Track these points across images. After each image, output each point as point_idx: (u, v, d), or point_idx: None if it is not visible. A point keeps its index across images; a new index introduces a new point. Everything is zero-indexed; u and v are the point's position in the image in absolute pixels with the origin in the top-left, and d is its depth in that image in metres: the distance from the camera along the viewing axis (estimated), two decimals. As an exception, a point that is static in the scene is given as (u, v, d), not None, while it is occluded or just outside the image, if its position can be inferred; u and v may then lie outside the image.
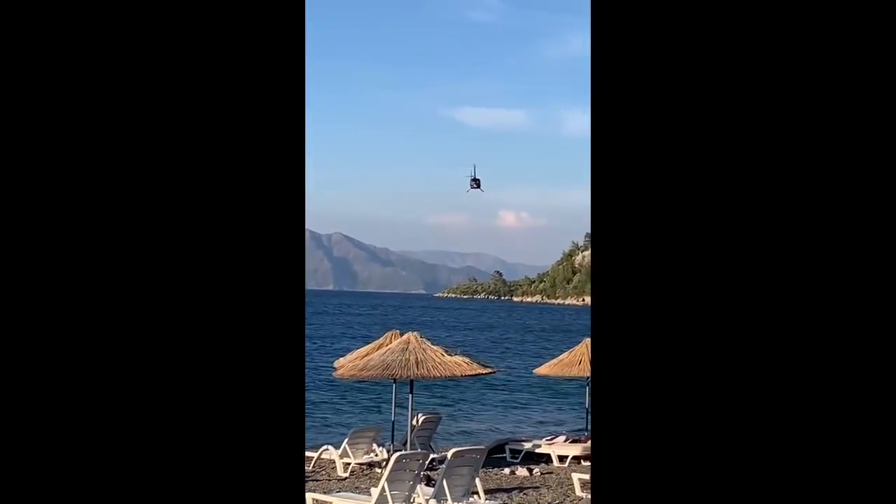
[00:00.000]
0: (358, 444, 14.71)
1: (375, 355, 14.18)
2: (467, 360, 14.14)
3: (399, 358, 13.54)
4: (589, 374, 16.80)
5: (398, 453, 11.36)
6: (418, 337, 14.07)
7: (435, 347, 13.94)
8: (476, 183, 27.14)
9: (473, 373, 14.10)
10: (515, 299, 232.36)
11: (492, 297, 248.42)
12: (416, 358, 13.49)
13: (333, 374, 15.13)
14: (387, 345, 15.07)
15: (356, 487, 12.82)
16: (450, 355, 13.90)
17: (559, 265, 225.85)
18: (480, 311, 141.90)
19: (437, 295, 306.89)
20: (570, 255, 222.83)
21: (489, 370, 14.72)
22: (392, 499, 10.50)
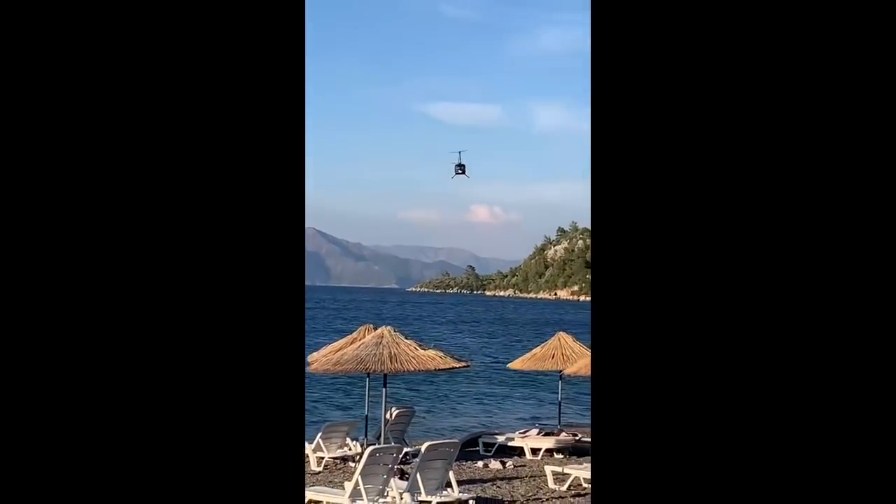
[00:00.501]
0: (331, 438, 14.70)
1: (349, 350, 14.20)
2: (441, 354, 14.18)
3: (373, 352, 13.56)
4: (562, 368, 16.88)
5: (372, 447, 11.38)
6: (392, 331, 14.09)
7: (408, 341, 13.97)
8: (461, 169, 26.55)
9: (447, 367, 14.15)
10: (488, 293, 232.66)
11: (464, 291, 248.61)
12: (390, 352, 13.52)
13: (307, 368, 15.11)
14: (360, 339, 15.07)
15: (330, 482, 12.83)
16: (423, 349, 13.94)
17: (531, 259, 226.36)
18: (454, 305, 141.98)
19: (410, 289, 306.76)
20: (542, 250, 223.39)
21: (463, 364, 14.77)
22: (366, 492, 10.52)
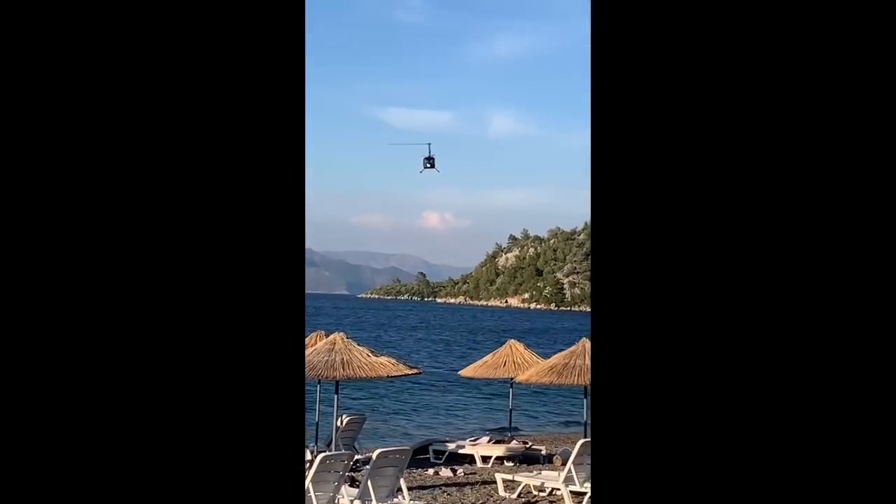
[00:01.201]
0: (282, 445, 14.62)
1: (301, 356, 14.14)
2: (393, 360, 14.20)
3: (325, 358, 13.53)
4: (513, 376, 16.98)
5: (323, 454, 11.33)
6: (344, 338, 14.07)
7: (361, 348, 13.97)
8: (430, 162, 24.91)
9: (399, 373, 14.17)
10: (439, 300, 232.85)
11: (415, 298, 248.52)
12: (343, 358, 13.50)
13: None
14: (312, 345, 15.03)
15: (280, 489, 12.75)
16: (376, 356, 13.94)
17: (482, 267, 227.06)
18: (407, 312, 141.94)
19: (360, 296, 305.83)
20: (493, 257, 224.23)
21: (415, 371, 14.79)
22: (316, 499, 10.46)
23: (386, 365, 13.82)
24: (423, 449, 16.64)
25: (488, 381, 22.36)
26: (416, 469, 14.74)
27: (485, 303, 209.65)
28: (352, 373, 13.43)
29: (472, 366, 18.56)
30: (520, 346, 17.75)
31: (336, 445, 14.37)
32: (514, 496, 12.82)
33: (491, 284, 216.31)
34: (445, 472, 14.86)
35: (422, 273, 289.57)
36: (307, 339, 16.10)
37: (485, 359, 18.13)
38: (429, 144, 25.18)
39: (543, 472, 13.77)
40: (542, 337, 67.48)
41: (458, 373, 19.91)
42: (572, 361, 14.81)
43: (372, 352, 14.12)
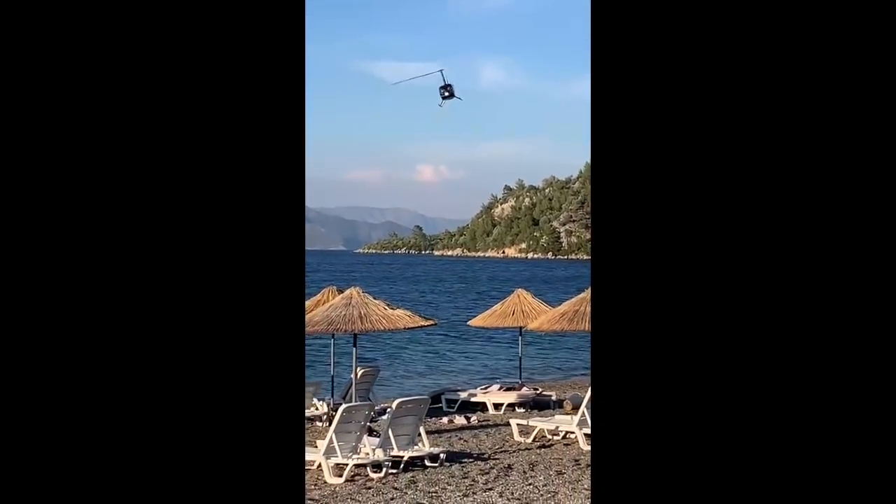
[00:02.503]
0: (299, 398, 14.87)
1: (318, 311, 14.35)
2: (409, 313, 14.46)
3: (343, 313, 13.77)
4: (522, 324, 17.23)
5: (345, 405, 11.60)
6: (360, 291, 14.30)
7: (377, 301, 14.21)
8: (448, 91, 20.45)
9: (416, 325, 14.43)
10: (436, 253, 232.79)
11: (412, 251, 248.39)
12: (360, 312, 13.74)
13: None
14: (325, 301, 15.26)
15: (301, 441, 13.00)
16: (392, 309, 14.19)
17: (478, 218, 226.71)
18: (408, 265, 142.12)
19: (357, 251, 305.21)
20: (489, 208, 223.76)
21: (430, 322, 15.06)
22: (340, 450, 10.75)
23: (403, 317, 14.07)
24: (435, 398, 16.92)
25: (498, 330, 22.61)
26: (430, 417, 15.02)
27: (482, 254, 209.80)
28: (370, 326, 13.69)
29: (481, 315, 18.80)
30: (528, 295, 17.98)
31: (352, 397, 14.66)
32: (530, 441, 13.12)
33: (487, 235, 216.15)
34: (459, 420, 15.17)
35: (418, 226, 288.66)
36: (320, 296, 16.33)
37: (493, 308, 18.35)
38: (441, 71, 20.46)
39: (556, 417, 14.07)
40: (548, 284, 67.83)
41: (468, 323, 20.14)
42: (582, 308, 15.05)
43: (389, 305, 14.37)
